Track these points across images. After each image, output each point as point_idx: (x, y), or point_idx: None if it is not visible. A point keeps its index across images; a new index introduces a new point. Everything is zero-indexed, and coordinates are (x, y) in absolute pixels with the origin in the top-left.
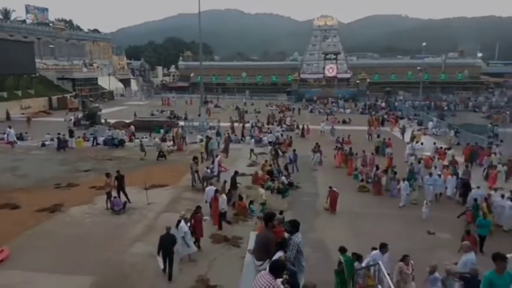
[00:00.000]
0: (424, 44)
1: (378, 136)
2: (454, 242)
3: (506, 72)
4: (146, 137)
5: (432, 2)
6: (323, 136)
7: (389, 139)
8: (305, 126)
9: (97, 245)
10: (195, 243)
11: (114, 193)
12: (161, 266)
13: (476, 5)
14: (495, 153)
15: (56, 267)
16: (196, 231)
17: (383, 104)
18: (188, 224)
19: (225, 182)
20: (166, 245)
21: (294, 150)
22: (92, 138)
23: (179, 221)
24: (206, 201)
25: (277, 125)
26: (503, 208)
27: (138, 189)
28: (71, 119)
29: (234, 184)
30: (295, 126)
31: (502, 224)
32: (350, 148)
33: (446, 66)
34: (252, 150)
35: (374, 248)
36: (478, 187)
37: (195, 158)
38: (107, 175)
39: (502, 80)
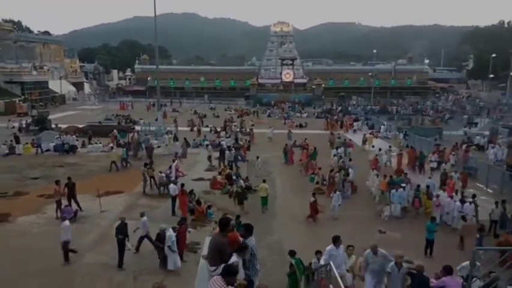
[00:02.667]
0: (375, 51)
1: (339, 138)
2: (403, 240)
3: (451, 78)
4: (99, 143)
5: (383, 11)
6: (270, 142)
7: (350, 140)
8: (251, 131)
9: (46, 255)
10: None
11: (65, 201)
12: (128, 247)
13: (423, 14)
14: (446, 162)
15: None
16: (180, 244)
17: (340, 108)
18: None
19: (182, 185)
20: (118, 234)
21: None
22: (39, 145)
23: (158, 234)
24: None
25: (221, 131)
26: (450, 208)
27: (91, 196)
28: (14, 127)
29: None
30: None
31: (449, 223)
32: (315, 148)
33: (395, 72)
34: (210, 157)
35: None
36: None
37: (146, 164)
38: (57, 182)
39: (448, 85)
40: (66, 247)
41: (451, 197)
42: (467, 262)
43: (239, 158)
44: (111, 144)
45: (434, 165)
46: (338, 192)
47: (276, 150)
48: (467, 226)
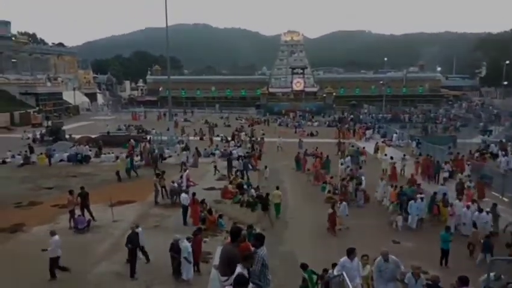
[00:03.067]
0: (386, 59)
1: (352, 146)
2: (417, 250)
3: (464, 86)
4: (111, 153)
5: (393, 18)
6: (279, 152)
7: (364, 148)
8: (262, 140)
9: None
10: (194, 266)
11: (78, 211)
12: (140, 256)
13: (434, 21)
14: (461, 173)
15: None
16: (195, 254)
17: (351, 117)
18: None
19: (194, 194)
20: (128, 243)
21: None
22: (49, 156)
23: (172, 244)
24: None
25: (230, 140)
26: (467, 218)
27: (103, 206)
28: (28, 137)
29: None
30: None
31: (465, 233)
32: (327, 156)
33: (407, 80)
34: (215, 167)
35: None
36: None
37: (158, 175)
38: (70, 192)
39: (461, 93)
40: (55, 264)
41: (468, 206)
42: (492, 273)
43: (250, 166)
44: (123, 154)
45: (447, 174)
46: (344, 203)
47: (287, 159)
48: (477, 233)
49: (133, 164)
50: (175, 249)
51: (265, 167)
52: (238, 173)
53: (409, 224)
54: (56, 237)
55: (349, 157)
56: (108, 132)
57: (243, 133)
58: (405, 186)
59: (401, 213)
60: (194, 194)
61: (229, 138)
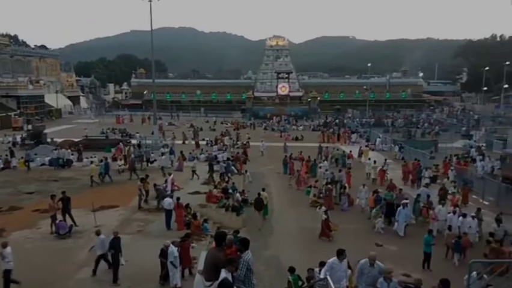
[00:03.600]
0: (370, 64)
1: (338, 149)
2: (400, 253)
3: (446, 91)
4: (94, 157)
5: (377, 25)
6: (263, 156)
7: (350, 151)
8: (247, 144)
9: (39, 271)
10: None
11: (59, 216)
12: (122, 262)
13: (416, 27)
14: (448, 178)
15: None
16: (183, 260)
17: (337, 121)
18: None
19: (178, 198)
20: (111, 248)
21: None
22: (26, 161)
23: (162, 250)
24: (165, 210)
25: (213, 144)
26: (453, 223)
27: (85, 211)
28: (9, 141)
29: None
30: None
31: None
32: (315, 160)
33: (390, 86)
34: (194, 171)
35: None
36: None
37: (142, 179)
38: (52, 197)
39: (442, 98)
40: (7, 276)
41: (454, 212)
42: (474, 273)
43: (234, 170)
44: (97, 158)
45: (428, 180)
46: (322, 208)
47: (272, 163)
48: (451, 236)
49: (108, 169)
50: (164, 254)
51: (246, 171)
52: (222, 177)
53: (397, 231)
54: (9, 249)
55: (326, 161)
56: (86, 136)
57: (227, 137)
58: (384, 191)
59: (381, 215)
60: (178, 198)
61: (213, 142)
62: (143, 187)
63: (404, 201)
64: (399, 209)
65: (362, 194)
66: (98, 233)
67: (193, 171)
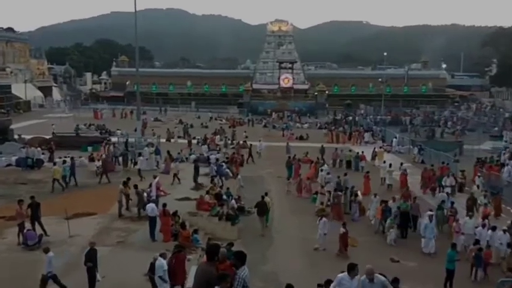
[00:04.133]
0: (385, 53)
1: (350, 150)
2: (420, 270)
3: (472, 85)
4: (68, 156)
5: (394, 9)
6: (260, 158)
7: (362, 152)
8: (245, 144)
9: (5, 287)
10: None
11: (28, 224)
12: (98, 278)
13: (439, 12)
14: (478, 186)
15: None
16: (176, 275)
17: (348, 118)
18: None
19: (165, 205)
20: (87, 261)
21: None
22: None
23: (151, 264)
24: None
25: (203, 144)
26: (482, 238)
27: (58, 219)
28: None
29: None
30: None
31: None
32: (324, 160)
33: (409, 78)
34: (175, 175)
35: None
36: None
37: (125, 183)
38: (19, 202)
39: (468, 93)
40: None
41: (483, 225)
42: None
43: (229, 174)
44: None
45: (449, 190)
46: (324, 219)
47: (273, 166)
48: (473, 249)
49: (74, 171)
50: (153, 269)
51: (237, 175)
52: (215, 181)
53: (426, 250)
54: None
55: (325, 165)
56: (54, 133)
57: (218, 136)
58: (397, 201)
59: (393, 226)
60: (165, 205)
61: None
62: (124, 191)
63: (429, 212)
64: (424, 222)
65: (373, 205)
66: (46, 251)
67: (175, 175)
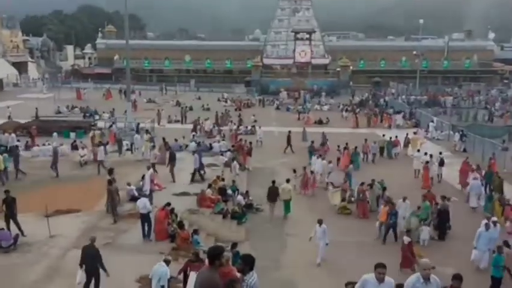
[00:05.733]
0: (421, 21)
1: (384, 135)
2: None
3: None
4: (48, 144)
5: None
6: (259, 147)
7: (396, 137)
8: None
9: None
10: None
11: (1, 223)
12: (77, 280)
13: None
14: None
15: None
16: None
17: (384, 99)
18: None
19: (168, 204)
20: (88, 258)
21: None
22: None
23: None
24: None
25: (192, 131)
26: None
27: (36, 216)
28: None
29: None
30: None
31: None
32: (355, 148)
33: (449, 51)
34: (151, 166)
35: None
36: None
37: (110, 178)
38: None
39: None
40: None
41: None
42: None
43: (237, 165)
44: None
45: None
46: (323, 226)
47: (287, 156)
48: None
49: (18, 162)
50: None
51: (233, 160)
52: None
53: (477, 263)
54: None
55: (317, 158)
56: (9, 117)
57: (208, 121)
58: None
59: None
60: (169, 204)
61: (211, 126)
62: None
63: (494, 218)
64: (479, 230)
65: (400, 211)
66: None
67: (151, 166)
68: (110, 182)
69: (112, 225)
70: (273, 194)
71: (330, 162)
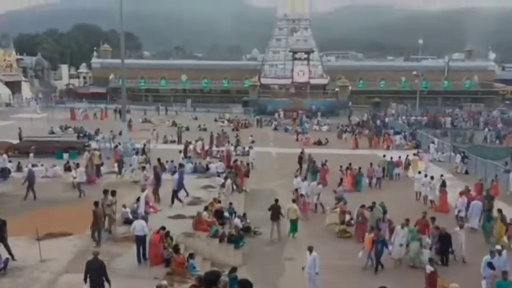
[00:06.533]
0: (421, 41)
1: (384, 156)
2: None
3: None
4: (41, 165)
5: None
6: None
7: (399, 157)
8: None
9: None
10: None
11: None
12: None
13: None
14: None
15: None
16: None
17: (384, 120)
18: None
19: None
20: (92, 272)
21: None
22: None
23: None
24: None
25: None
26: None
27: (27, 240)
28: None
29: None
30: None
31: None
32: (359, 168)
33: (450, 71)
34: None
35: None
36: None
37: (105, 192)
38: None
39: None
40: None
41: None
42: None
43: (234, 186)
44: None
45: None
46: (314, 253)
47: (285, 178)
48: None
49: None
50: None
51: (225, 178)
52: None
53: None
54: None
55: (298, 177)
56: (21, 139)
57: (199, 142)
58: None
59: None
60: (163, 228)
61: (206, 147)
62: (105, 210)
63: (498, 247)
64: (484, 258)
65: (398, 238)
66: None
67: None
68: (97, 204)
69: (96, 248)
70: (275, 212)
71: (318, 183)
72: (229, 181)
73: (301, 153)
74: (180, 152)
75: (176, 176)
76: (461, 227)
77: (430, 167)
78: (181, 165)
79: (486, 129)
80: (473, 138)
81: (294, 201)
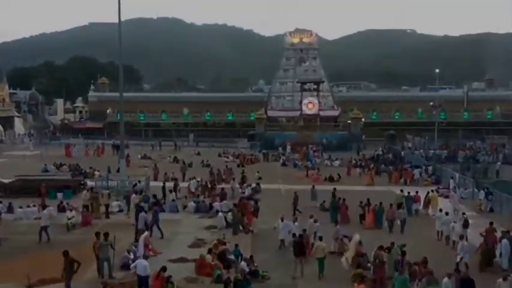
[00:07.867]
0: (438, 70)
1: (402, 190)
2: None
3: None
4: (33, 205)
5: (447, 14)
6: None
7: (417, 192)
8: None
9: None
10: None
11: None
12: None
13: (507, 17)
14: None
15: None
16: None
17: (401, 154)
18: None
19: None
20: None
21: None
22: None
23: None
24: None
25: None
26: None
27: (18, 287)
28: None
29: None
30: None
31: None
32: (380, 203)
33: (469, 101)
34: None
35: None
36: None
37: (106, 235)
38: None
39: None
40: None
41: None
42: None
43: (240, 227)
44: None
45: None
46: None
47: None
48: None
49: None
50: None
51: (217, 212)
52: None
53: None
54: None
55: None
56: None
57: (193, 181)
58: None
59: None
60: (164, 268)
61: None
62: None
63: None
64: None
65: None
66: None
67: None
68: (67, 253)
69: None
70: (299, 247)
71: (315, 221)
72: (220, 214)
73: (312, 190)
74: (171, 191)
75: (143, 214)
76: (504, 278)
77: (460, 209)
78: (155, 203)
79: None
80: (499, 173)
81: (321, 238)
